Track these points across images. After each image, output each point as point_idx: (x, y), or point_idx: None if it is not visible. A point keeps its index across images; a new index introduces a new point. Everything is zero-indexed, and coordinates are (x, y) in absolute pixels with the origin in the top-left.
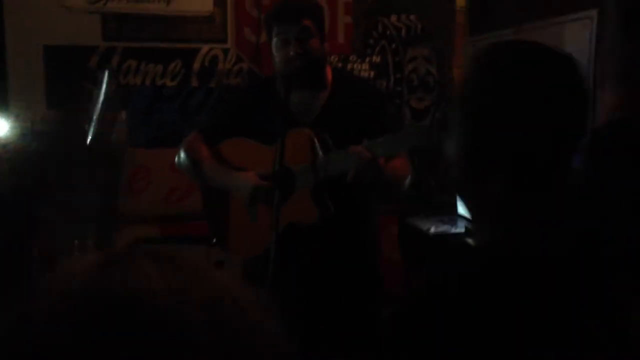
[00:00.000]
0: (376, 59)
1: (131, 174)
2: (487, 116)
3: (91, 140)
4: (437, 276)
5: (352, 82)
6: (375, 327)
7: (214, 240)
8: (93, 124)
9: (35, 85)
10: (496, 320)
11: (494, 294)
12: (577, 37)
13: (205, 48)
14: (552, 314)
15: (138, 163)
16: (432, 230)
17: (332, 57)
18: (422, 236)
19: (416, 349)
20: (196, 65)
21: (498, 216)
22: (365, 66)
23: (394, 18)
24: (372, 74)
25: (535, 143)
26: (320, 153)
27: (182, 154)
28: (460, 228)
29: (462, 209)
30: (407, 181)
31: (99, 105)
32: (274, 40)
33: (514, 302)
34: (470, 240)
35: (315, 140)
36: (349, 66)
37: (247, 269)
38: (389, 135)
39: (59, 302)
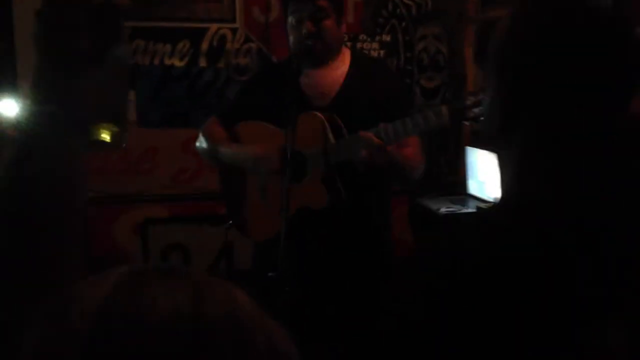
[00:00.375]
0: (386, 37)
1: (140, 154)
2: (525, 65)
3: None
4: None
5: (369, 64)
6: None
7: (230, 222)
8: None
9: None
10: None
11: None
12: None
13: (213, 27)
14: (556, 285)
15: (147, 143)
16: (443, 210)
17: None
18: (432, 216)
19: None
20: (204, 45)
21: (517, 172)
22: (375, 45)
23: None
24: (382, 53)
25: (573, 98)
26: (332, 138)
27: (201, 138)
28: (471, 208)
29: (472, 189)
30: (421, 168)
31: None
32: (289, 19)
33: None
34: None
35: (327, 125)
36: (359, 45)
37: (258, 252)
38: (398, 121)
39: (76, 326)
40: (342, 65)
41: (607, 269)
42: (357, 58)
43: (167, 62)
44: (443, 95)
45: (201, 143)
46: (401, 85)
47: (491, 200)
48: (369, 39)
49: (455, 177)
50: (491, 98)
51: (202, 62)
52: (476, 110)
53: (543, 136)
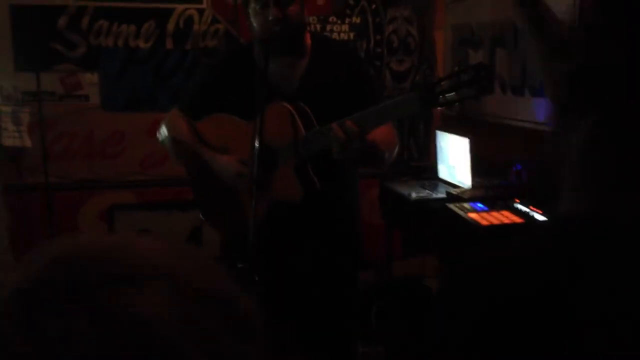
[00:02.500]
0: (356, 19)
1: (105, 139)
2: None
3: None
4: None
5: (331, 47)
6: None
7: (201, 217)
8: None
9: (1, 47)
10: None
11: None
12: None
13: (180, 8)
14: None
15: (112, 128)
16: (414, 195)
17: (312, 18)
18: (403, 201)
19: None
20: (170, 26)
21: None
22: (345, 27)
23: None
24: (352, 35)
25: None
26: (302, 129)
27: (164, 131)
28: (441, 193)
29: (442, 173)
30: (395, 150)
31: None
32: (252, 4)
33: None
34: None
35: (296, 116)
36: (329, 27)
37: (227, 243)
38: (374, 107)
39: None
40: (305, 50)
41: None
42: (320, 42)
43: (132, 43)
44: (413, 78)
45: (164, 138)
46: (365, 67)
47: (461, 185)
48: (339, 21)
49: (425, 161)
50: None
51: (169, 44)
52: (448, 96)
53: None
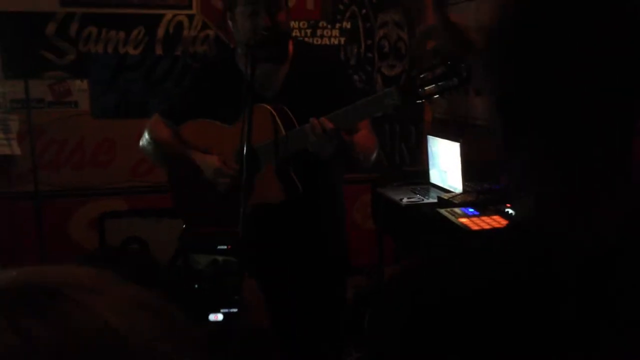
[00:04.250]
0: (346, 24)
1: (96, 146)
2: (528, 59)
3: None
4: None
5: (312, 52)
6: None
7: (184, 226)
8: None
9: None
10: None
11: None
12: None
13: (169, 14)
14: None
15: (102, 135)
16: (405, 200)
17: (302, 23)
18: (394, 206)
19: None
20: (160, 32)
21: (528, 187)
22: (336, 32)
23: None
24: (342, 40)
25: (586, 100)
26: (282, 130)
27: (146, 137)
28: (432, 199)
29: (434, 178)
30: (375, 151)
31: None
32: (240, 9)
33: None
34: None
35: (276, 117)
36: (319, 32)
37: None
38: (349, 106)
39: None
40: (287, 55)
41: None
42: (301, 47)
43: (122, 50)
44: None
45: (146, 144)
46: (346, 71)
47: (452, 189)
48: (329, 26)
49: (417, 166)
50: (490, 101)
51: (158, 50)
52: (428, 87)
53: (554, 148)
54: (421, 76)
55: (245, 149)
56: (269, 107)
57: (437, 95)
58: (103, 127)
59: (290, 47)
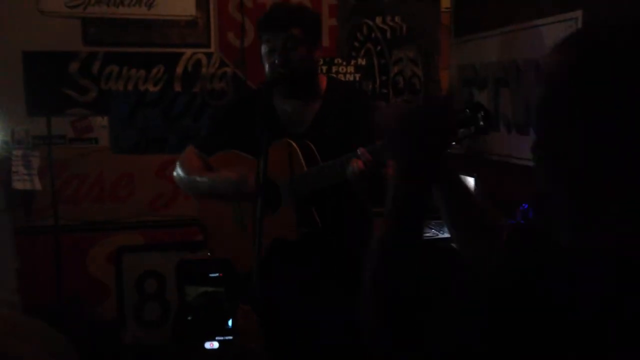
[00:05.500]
0: (362, 61)
1: (115, 181)
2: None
3: None
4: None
5: (343, 89)
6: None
7: (209, 254)
8: None
9: (14, 93)
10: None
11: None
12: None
13: (188, 52)
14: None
15: (121, 169)
16: None
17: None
18: None
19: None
20: (179, 70)
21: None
22: (351, 69)
23: (378, 20)
24: (357, 76)
25: None
26: (304, 166)
27: (179, 169)
28: (447, 233)
29: None
30: None
31: None
32: (262, 47)
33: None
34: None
35: (299, 153)
36: (335, 69)
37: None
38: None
39: None
40: (318, 92)
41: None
42: (333, 84)
43: (142, 87)
44: None
45: (178, 174)
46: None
47: None
48: (344, 63)
49: (432, 201)
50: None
51: (177, 87)
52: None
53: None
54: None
55: (260, 183)
56: (292, 142)
57: (454, 143)
58: (122, 162)
59: (324, 83)
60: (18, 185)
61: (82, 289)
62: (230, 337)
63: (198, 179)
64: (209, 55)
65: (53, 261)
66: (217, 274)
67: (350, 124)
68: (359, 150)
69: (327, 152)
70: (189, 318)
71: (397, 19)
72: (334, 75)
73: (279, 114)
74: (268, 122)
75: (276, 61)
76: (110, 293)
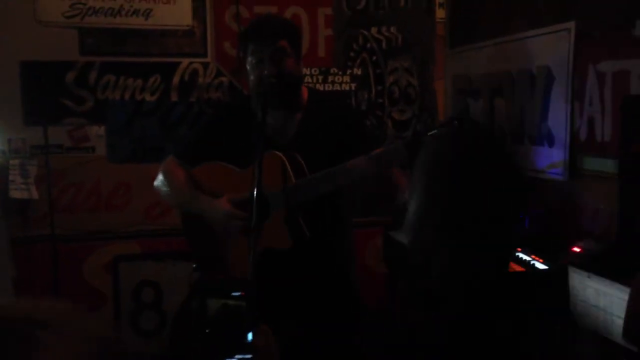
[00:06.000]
0: (357, 71)
1: (112, 190)
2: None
3: None
4: None
5: (326, 101)
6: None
7: (194, 266)
8: None
9: (11, 102)
10: None
11: None
12: (555, 49)
13: (184, 62)
14: None
15: (118, 179)
16: None
17: (313, 70)
18: (404, 250)
19: None
20: (176, 80)
21: None
22: (347, 79)
23: (374, 30)
24: (353, 86)
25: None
26: (292, 177)
27: (160, 178)
28: None
29: None
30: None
31: None
32: (249, 58)
33: None
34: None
35: (287, 164)
36: (330, 79)
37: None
38: (390, 145)
39: None
40: (301, 103)
41: None
42: (316, 96)
43: (138, 96)
44: (414, 127)
45: (161, 185)
46: (360, 120)
47: None
48: (340, 73)
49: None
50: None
51: (174, 97)
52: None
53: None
54: (429, 134)
55: (255, 195)
56: (280, 154)
57: None
58: (119, 171)
59: (305, 94)
60: (15, 194)
61: (78, 298)
62: (249, 356)
63: (184, 198)
64: (205, 65)
65: (50, 270)
66: (238, 293)
67: (332, 133)
68: (349, 164)
69: (313, 163)
70: (207, 331)
71: (392, 29)
72: (313, 87)
73: (265, 126)
74: (262, 133)
75: (266, 71)
76: (106, 302)
